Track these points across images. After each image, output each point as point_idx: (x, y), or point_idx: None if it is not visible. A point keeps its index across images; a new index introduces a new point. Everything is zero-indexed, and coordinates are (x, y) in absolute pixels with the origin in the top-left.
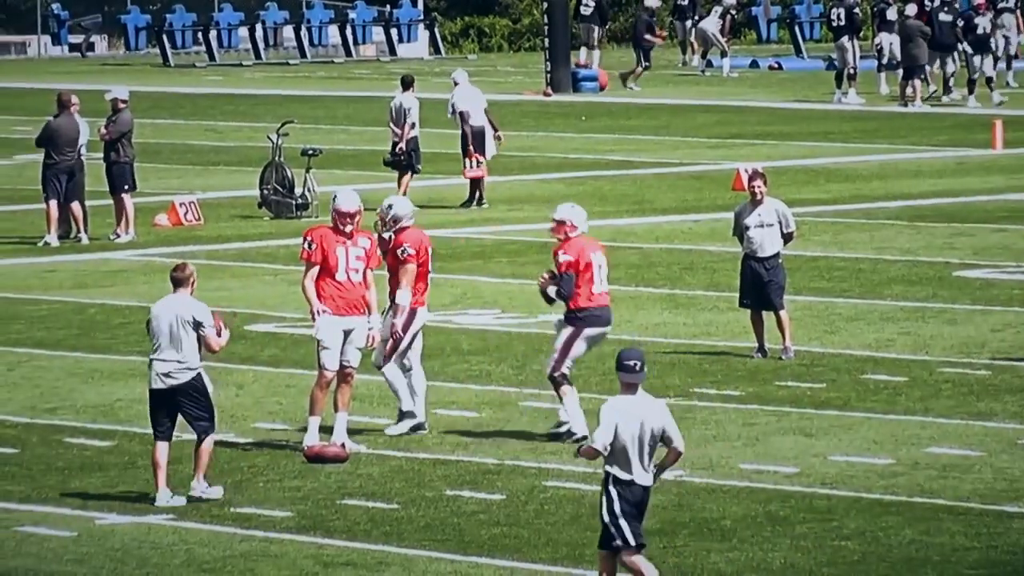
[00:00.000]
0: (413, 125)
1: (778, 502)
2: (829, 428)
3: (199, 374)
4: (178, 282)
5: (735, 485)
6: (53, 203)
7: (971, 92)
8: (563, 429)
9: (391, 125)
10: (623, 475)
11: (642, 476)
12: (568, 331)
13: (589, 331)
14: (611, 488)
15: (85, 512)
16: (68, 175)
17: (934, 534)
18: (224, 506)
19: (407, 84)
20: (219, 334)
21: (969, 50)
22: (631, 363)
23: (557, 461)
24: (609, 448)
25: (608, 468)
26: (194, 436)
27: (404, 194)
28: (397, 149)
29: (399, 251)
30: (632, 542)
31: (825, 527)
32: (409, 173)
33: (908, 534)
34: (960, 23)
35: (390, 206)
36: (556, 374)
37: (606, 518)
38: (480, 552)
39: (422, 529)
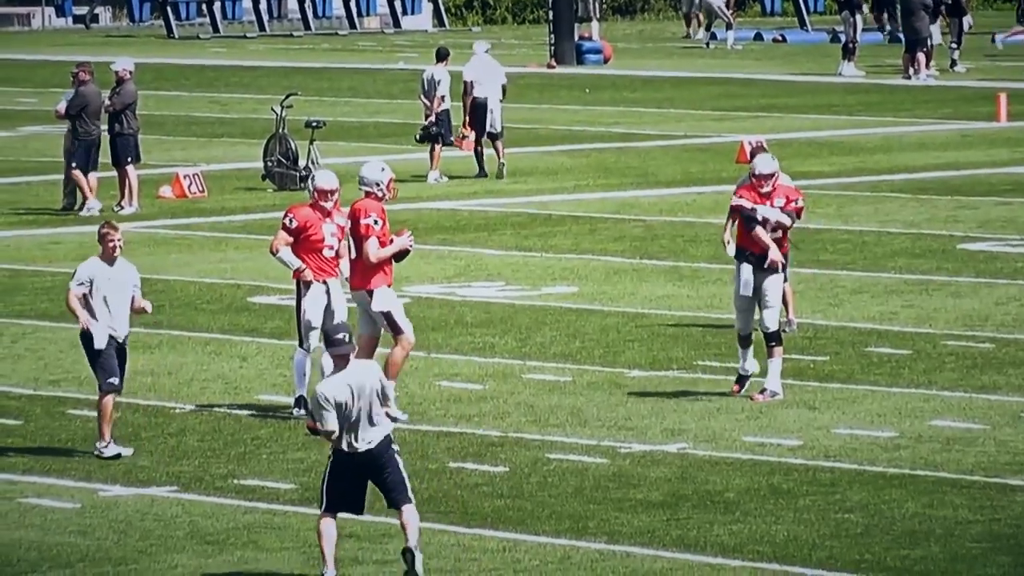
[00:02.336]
0: (443, 98)
1: (781, 475)
2: (832, 401)
3: None
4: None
5: (738, 458)
6: (79, 172)
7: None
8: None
9: (422, 98)
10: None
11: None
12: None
13: None
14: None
15: (88, 484)
16: (97, 145)
17: (937, 507)
18: (227, 478)
19: (442, 56)
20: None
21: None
22: (340, 336)
23: (560, 434)
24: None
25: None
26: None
27: (435, 167)
28: (428, 121)
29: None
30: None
31: (828, 500)
32: (440, 144)
33: (911, 507)
34: None
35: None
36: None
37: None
38: (483, 524)
39: (425, 501)
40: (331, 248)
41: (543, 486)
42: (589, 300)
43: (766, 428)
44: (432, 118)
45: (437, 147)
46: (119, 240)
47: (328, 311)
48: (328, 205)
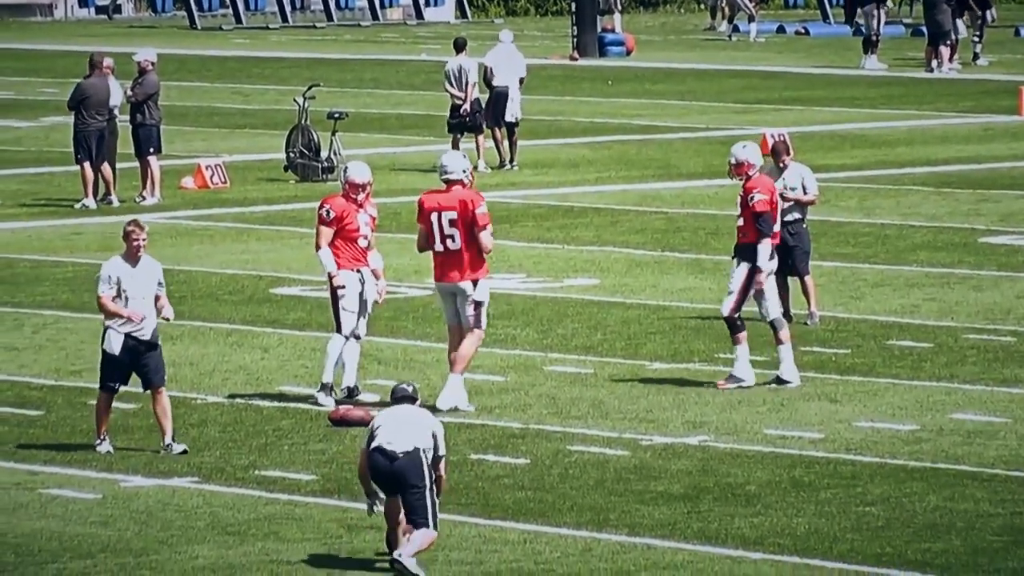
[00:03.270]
0: (474, 85)
1: (803, 468)
2: (854, 394)
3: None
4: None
5: (760, 450)
6: (87, 165)
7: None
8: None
9: (449, 88)
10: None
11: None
12: (748, 271)
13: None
14: None
15: (110, 474)
16: (99, 137)
17: (958, 500)
18: (248, 469)
19: (461, 47)
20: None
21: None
22: (405, 392)
23: (582, 426)
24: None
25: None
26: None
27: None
28: (461, 111)
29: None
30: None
31: (850, 493)
32: (478, 133)
33: (932, 500)
34: None
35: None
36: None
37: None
38: (504, 516)
39: (446, 493)
40: (364, 238)
41: (564, 478)
42: (611, 292)
43: (787, 421)
44: (467, 107)
45: (480, 137)
46: (144, 240)
47: (362, 299)
48: (360, 197)
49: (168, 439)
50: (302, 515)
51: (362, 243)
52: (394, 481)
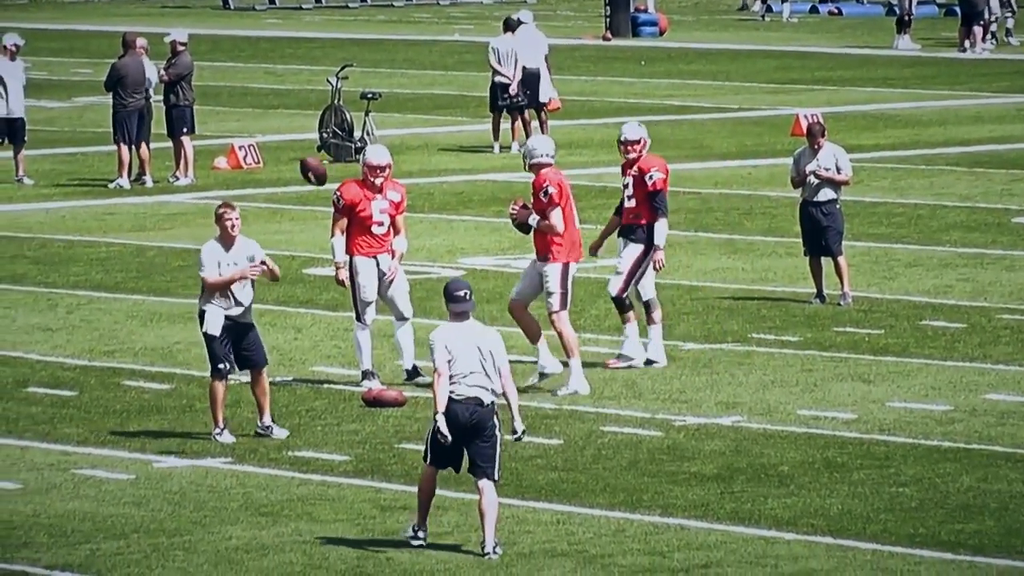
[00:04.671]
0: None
1: (836, 448)
2: (887, 374)
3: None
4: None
5: (793, 431)
6: (124, 147)
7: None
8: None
9: (497, 67)
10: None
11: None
12: (641, 251)
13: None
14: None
15: (143, 455)
16: (138, 116)
17: (992, 481)
18: (282, 449)
19: (512, 26)
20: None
21: None
22: (460, 293)
23: (615, 406)
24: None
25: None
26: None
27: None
28: (511, 90)
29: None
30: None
31: (883, 473)
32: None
33: (966, 481)
34: None
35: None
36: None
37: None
38: (537, 497)
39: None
40: (380, 225)
41: (597, 459)
42: None
43: (820, 401)
44: (514, 88)
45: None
46: (236, 219)
47: (383, 284)
48: (378, 181)
49: (267, 419)
50: (335, 495)
51: (377, 230)
52: (470, 430)
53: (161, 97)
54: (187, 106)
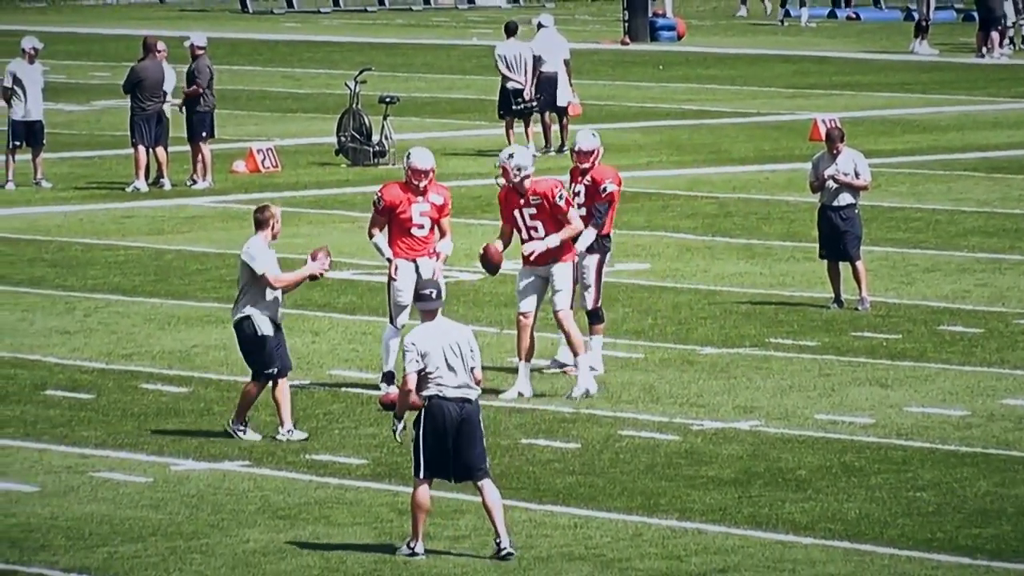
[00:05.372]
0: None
1: (853, 453)
2: (905, 379)
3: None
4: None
5: (810, 435)
6: (141, 149)
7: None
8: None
9: (508, 74)
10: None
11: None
12: (597, 259)
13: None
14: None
15: (161, 458)
16: (157, 120)
17: (1009, 486)
18: (299, 453)
19: (513, 31)
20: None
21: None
22: (426, 292)
23: (632, 410)
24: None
25: (425, 393)
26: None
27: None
28: (526, 95)
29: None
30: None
31: (900, 478)
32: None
33: (983, 486)
34: None
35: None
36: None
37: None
38: (555, 500)
39: (497, 477)
40: (420, 227)
41: (615, 463)
42: (661, 277)
43: (838, 406)
44: (529, 90)
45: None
46: (279, 218)
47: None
48: (422, 184)
49: (288, 427)
50: (352, 499)
51: (417, 232)
52: (460, 428)
53: (179, 101)
54: (207, 112)
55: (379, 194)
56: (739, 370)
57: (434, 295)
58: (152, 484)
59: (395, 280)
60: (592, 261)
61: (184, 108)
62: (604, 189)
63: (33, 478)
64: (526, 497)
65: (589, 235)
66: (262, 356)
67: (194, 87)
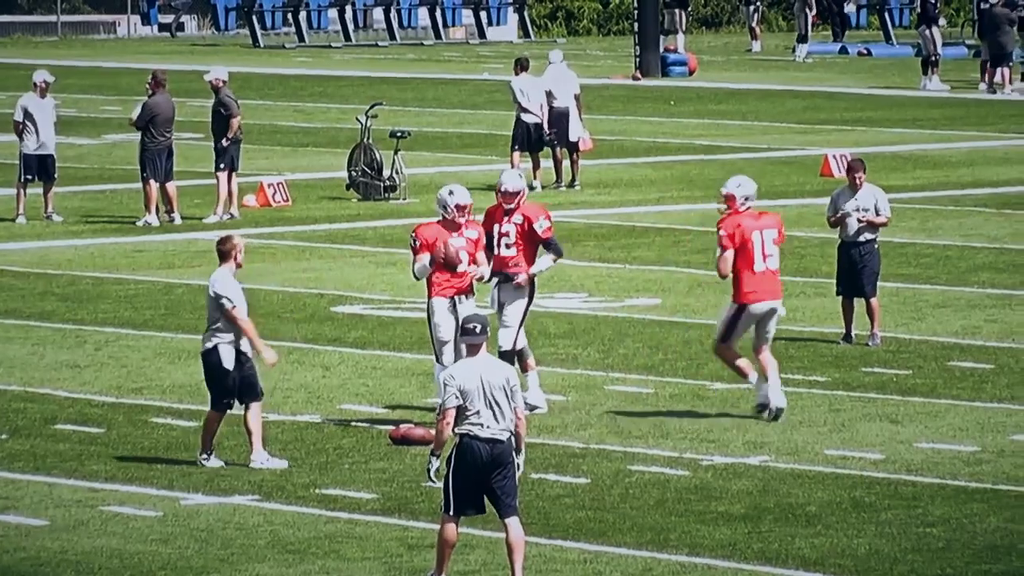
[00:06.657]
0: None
1: (863, 488)
2: (915, 415)
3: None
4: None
5: (820, 471)
6: (153, 183)
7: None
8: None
9: (527, 105)
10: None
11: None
12: (526, 303)
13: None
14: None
15: (170, 492)
16: (168, 154)
17: (1019, 522)
18: (309, 487)
19: (525, 66)
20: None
21: None
22: (471, 326)
23: (643, 445)
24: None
25: (458, 429)
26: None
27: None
28: (544, 129)
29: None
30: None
31: (910, 514)
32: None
33: (993, 521)
34: None
35: (451, 192)
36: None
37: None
38: (565, 536)
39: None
40: (461, 263)
41: (625, 498)
42: (672, 312)
43: (848, 441)
44: (545, 126)
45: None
46: (241, 248)
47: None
48: (463, 220)
49: (260, 454)
50: (363, 534)
51: (457, 268)
52: (491, 467)
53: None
54: (233, 143)
55: (414, 234)
56: (749, 405)
57: (478, 330)
58: (162, 518)
59: (433, 316)
60: (520, 305)
61: (223, 140)
62: (540, 226)
63: (43, 512)
64: (536, 532)
65: (549, 262)
66: (223, 387)
67: (239, 116)
